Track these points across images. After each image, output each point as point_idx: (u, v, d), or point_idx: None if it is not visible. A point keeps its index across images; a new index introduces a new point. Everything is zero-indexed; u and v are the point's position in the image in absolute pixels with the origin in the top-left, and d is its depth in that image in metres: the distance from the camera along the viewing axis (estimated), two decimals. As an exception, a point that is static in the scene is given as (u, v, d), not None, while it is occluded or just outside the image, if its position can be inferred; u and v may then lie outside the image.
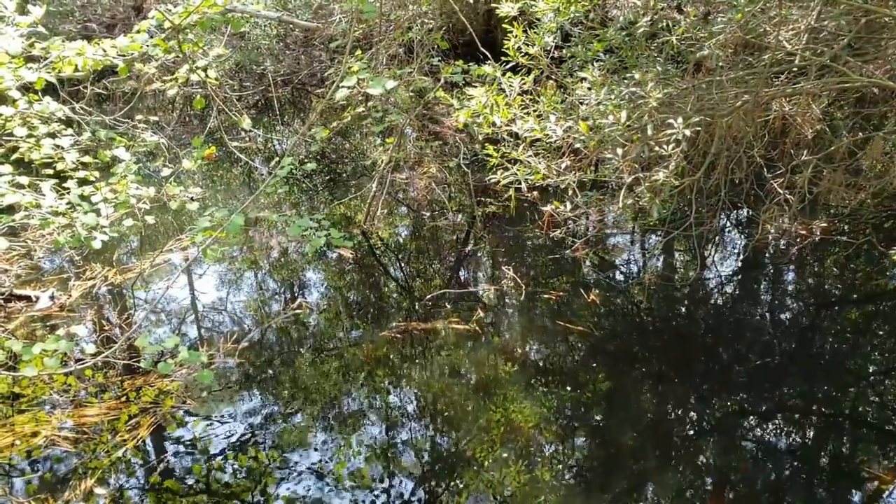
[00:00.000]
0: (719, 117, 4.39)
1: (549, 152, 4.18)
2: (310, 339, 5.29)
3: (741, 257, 6.27)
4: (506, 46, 4.40)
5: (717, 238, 6.55)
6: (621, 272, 6.16)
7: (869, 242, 5.76)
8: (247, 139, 8.50)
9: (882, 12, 4.28)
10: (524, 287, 5.65)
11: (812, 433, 4.49)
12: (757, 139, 5.06)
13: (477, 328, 5.22)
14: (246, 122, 3.91)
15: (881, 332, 5.49)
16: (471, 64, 5.14)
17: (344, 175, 8.34)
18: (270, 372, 4.88)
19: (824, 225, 6.00)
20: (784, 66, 4.64)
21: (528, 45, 4.30)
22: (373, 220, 6.92)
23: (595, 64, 4.26)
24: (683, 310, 5.76)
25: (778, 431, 4.53)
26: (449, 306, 5.50)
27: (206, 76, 3.78)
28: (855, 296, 5.77)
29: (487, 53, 4.82)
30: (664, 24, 4.19)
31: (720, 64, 4.41)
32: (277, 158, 3.77)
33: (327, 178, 8.25)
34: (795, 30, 4.69)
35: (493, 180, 4.30)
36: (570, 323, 5.24)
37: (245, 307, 5.74)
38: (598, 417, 4.48)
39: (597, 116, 3.73)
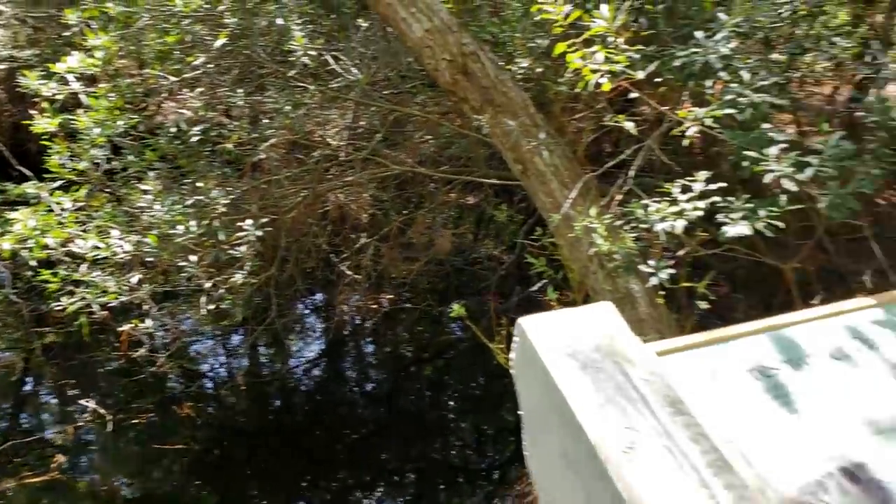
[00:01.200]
0: (283, 214, 4.63)
1: (116, 268, 3.92)
2: None
3: (324, 340, 6.58)
4: (48, 163, 4.05)
5: (299, 326, 6.77)
6: (211, 378, 5.99)
7: (429, 305, 6.53)
8: None
9: (404, 111, 5.01)
10: (110, 417, 5.12)
11: (414, 488, 4.88)
12: (320, 229, 5.44)
13: (59, 475, 4.56)
14: None
15: (452, 382, 6.23)
16: (7, 183, 4.59)
17: None
18: None
19: (391, 296, 6.64)
20: (333, 161, 5.11)
21: (74, 160, 4.02)
22: None
23: (152, 173, 4.16)
24: (279, 403, 5.82)
25: (386, 494, 4.82)
26: (18, 460, 4.71)
27: None
28: (426, 354, 6.46)
29: (26, 171, 4.38)
30: (216, 131, 4.31)
31: (275, 164, 4.68)
32: None
33: None
34: (338, 128, 5.22)
35: (58, 307, 3.87)
36: (167, 443, 4.90)
37: None
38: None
39: (165, 227, 3.64)
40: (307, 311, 7.07)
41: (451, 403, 5.91)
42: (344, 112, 5.23)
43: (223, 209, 3.70)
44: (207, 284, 3.89)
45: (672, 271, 2.63)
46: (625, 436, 1.22)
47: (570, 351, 1.38)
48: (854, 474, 1.26)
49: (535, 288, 5.63)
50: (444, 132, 5.66)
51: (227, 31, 4.08)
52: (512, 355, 1.49)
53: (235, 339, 6.59)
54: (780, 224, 2.39)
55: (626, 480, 1.15)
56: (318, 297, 7.09)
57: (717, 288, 5.64)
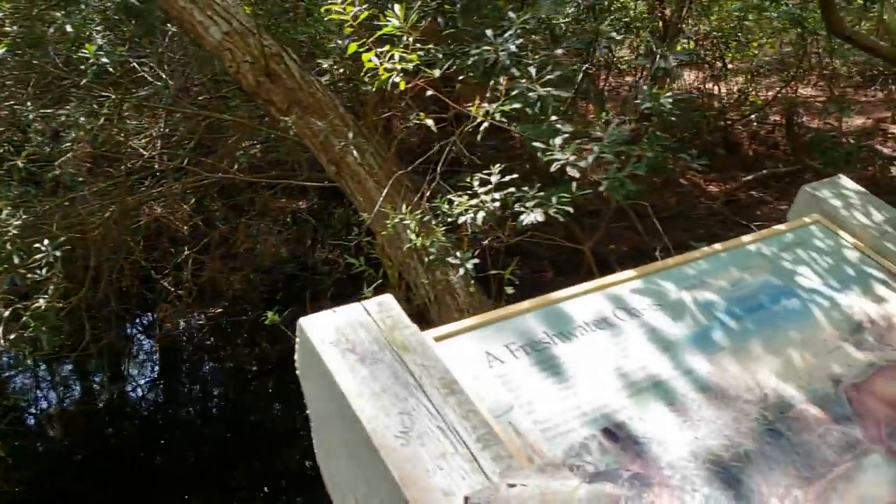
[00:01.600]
0: (91, 231, 4.38)
1: None
2: None
3: (158, 360, 6.28)
4: None
5: (126, 349, 6.42)
6: (32, 413, 5.56)
7: (261, 315, 6.36)
8: None
9: (215, 116, 4.87)
10: None
11: (267, 502, 4.77)
12: (135, 245, 5.18)
13: None
14: None
15: (297, 391, 6.11)
16: None
17: None
18: None
19: (221, 309, 6.42)
20: (145, 172, 4.88)
21: None
22: None
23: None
24: (111, 430, 5.49)
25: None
26: None
27: None
28: (269, 366, 6.29)
29: None
30: (4, 147, 4.01)
31: (79, 180, 4.42)
32: None
33: None
34: (149, 137, 4.99)
35: None
36: (-25, 489, 4.51)
37: None
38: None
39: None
40: (132, 332, 6.72)
41: (298, 412, 5.82)
42: (155, 121, 5.00)
43: (15, 231, 3.44)
44: (6, 312, 3.61)
45: (477, 261, 2.73)
46: (399, 421, 1.27)
47: (349, 346, 1.41)
48: (613, 433, 1.37)
49: (370, 288, 5.64)
50: (263, 136, 5.53)
51: (8, 39, 3.80)
52: (296, 356, 1.50)
53: (61, 368, 6.16)
54: (570, 209, 2.55)
55: (399, 463, 1.19)
56: (147, 316, 6.76)
57: (543, 273, 5.92)
